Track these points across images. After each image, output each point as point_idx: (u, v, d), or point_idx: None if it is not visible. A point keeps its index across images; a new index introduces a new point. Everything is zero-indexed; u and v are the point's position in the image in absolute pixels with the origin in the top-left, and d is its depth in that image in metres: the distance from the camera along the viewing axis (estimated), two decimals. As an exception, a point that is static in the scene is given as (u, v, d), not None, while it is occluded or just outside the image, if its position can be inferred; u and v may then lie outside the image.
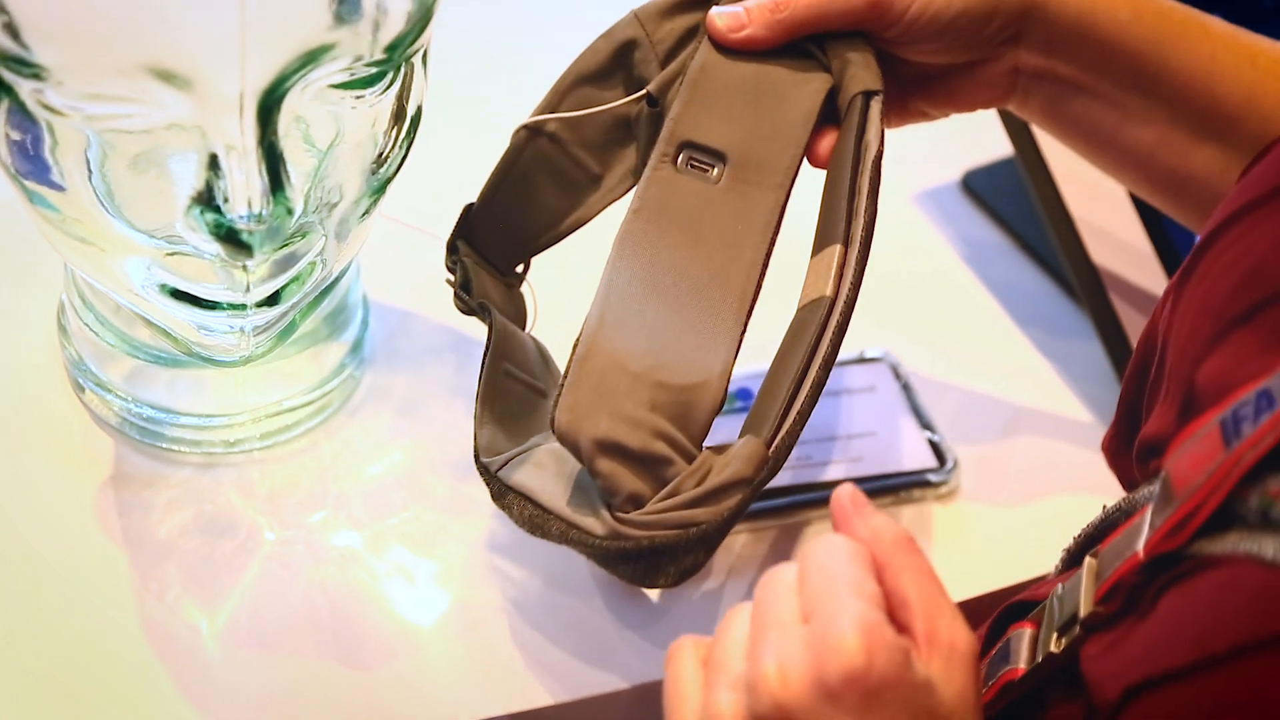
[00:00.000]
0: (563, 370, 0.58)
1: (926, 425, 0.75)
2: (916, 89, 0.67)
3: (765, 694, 0.45)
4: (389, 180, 0.64)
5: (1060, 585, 0.53)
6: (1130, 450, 0.56)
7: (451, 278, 0.66)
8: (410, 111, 0.63)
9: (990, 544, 0.71)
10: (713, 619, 0.67)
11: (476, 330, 0.66)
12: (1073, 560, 0.54)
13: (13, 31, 0.54)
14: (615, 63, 0.64)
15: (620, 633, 0.66)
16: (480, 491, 0.61)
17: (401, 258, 0.78)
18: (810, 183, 0.63)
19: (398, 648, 0.65)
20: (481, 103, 0.89)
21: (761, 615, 0.47)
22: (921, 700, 0.45)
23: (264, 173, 0.56)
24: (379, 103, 0.60)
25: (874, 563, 0.48)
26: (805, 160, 0.63)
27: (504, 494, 0.59)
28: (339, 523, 0.69)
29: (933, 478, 0.73)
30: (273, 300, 0.62)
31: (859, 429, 0.75)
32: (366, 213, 0.64)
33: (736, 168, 0.62)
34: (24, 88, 0.55)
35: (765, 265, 0.61)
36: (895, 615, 0.47)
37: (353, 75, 0.58)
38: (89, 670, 0.63)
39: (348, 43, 0.56)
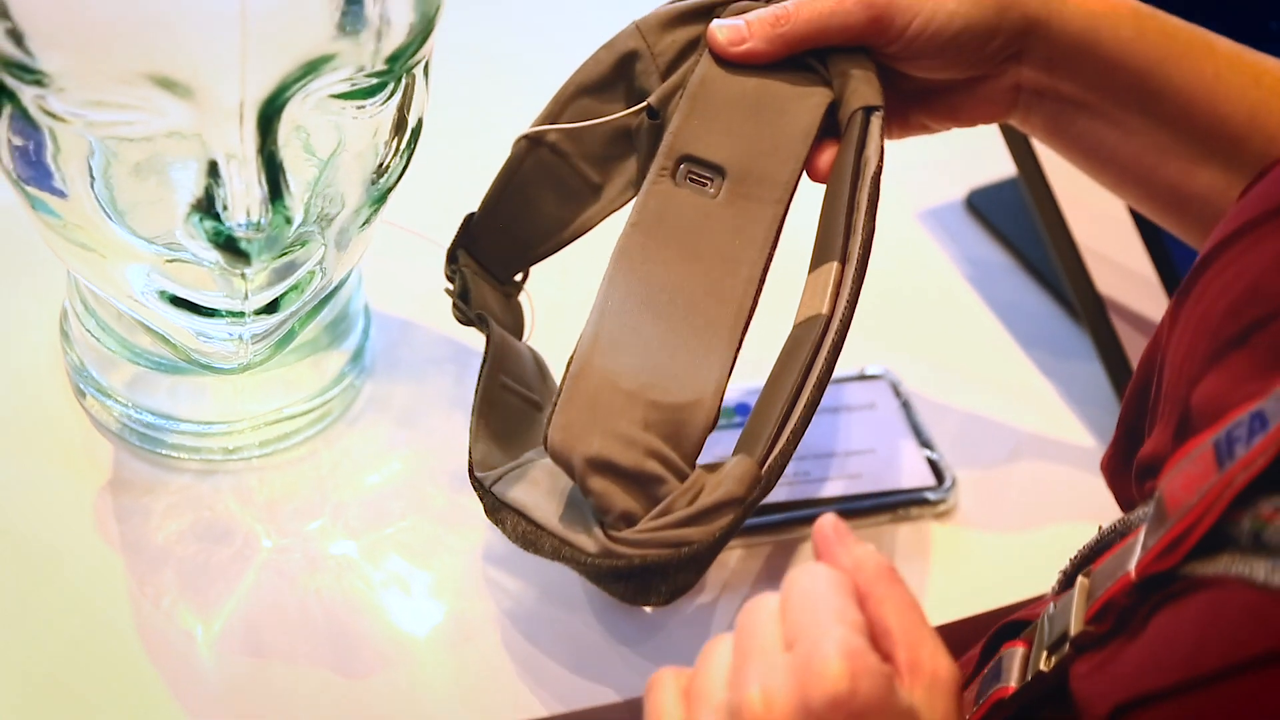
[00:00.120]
0: (558, 385, 0.58)
1: (925, 443, 0.75)
2: (917, 103, 0.67)
3: (752, 715, 0.44)
4: (389, 190, 0.64)
5: (1052, 605, 0.53)
6: (1129, 470, 0.56)
7: (451, 286, 0.66)
8: (411, 122, 0.63)
9: (987, 563, 0.71)
10: (705, 634, 0.66)
11: (477, 341, 0.66)
12: (1068, 581, 0.54)
13: (16, 37, 0.54)
14: (616, 74, 0.64)
15: (614, 646, 0.65)
16: (477, 503, 0.61)
17: (403, 267, 0.78)
18: (809, 196, 0.63)
19: (392, 657, 0.65)
20: (483, 111, 0.89)
21: (744, 643, 0.47)
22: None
23: (263, 181, 0.56)
24: (380, 113, 0.60)
25: (856, 592, 0.47)
26: (805, 174, 0.63)
27: (498, 509, 0.59)
28: (336, 531, 0.69)
29: (931, 496, 0.72)
30: (271, 308, 0.62)
31: (857, 446, 0.74)
32: (367, 222, 0.64)
33: (735, 182, 0.61)
34: (26, 94, 0.55)
35: (762, 281, 0.61)
36: (878, 644, 0.46)
37: (354, 86, 0.58)
38: (84, 674, 0.62)
39: (349, 53, 0.56)
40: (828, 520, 0.50)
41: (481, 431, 0.62)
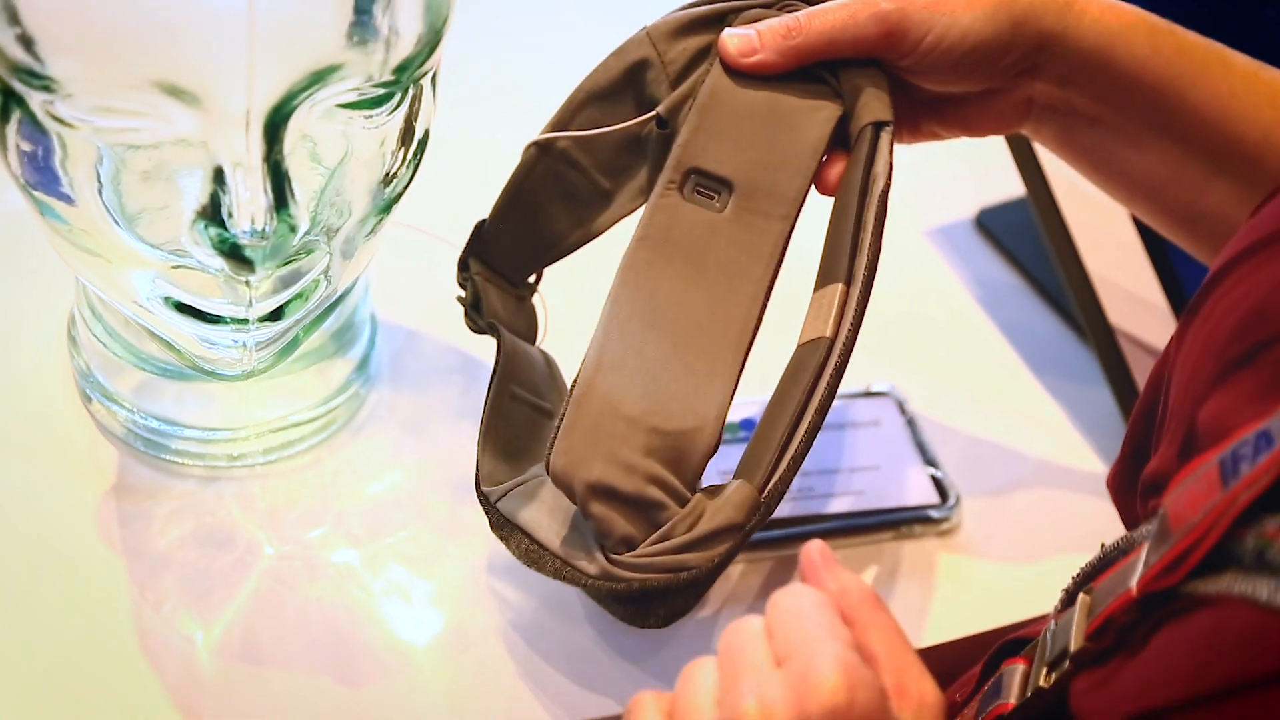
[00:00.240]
0: (565, 399, 0.58)
1: (930, 461, 0.74)
2: (929, 111, 0.66)
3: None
4: (396, 199, 0.63)
5: (1054, 622, 0.52)
6: (1134, 487, 0.55)
7: (463, 294, 0.66)
8: (419, 132, 0.62)
9: (990, 583, 0.70)
10: (706, 649, 0.66)
11: (483, 352, 0.66)
12: (1070, 599, 0.53)
13: (26, 43, 0.53)
14: (626, 81, 0.63)
15: (613, 659, 0.65)
16: (479, 514, 0.61)
17: (410, 276, 0.78)
18: (817, 211, 0.62)
19: (391, 666, 0.64)
20: (494, 117, 0.88)
21: (731, 662, 0.47)
22: None
23: (269, 189, 0.56)
24: (387, 123, 0.60)
25: (841, 616, 0.47)
26: (814, 187, 0.62)
27: (503, 526, 0.59)
28: (338, 540, 0.68)
29: (934, 514, 0.71)
30: (276, 316, 0.61)
31: (862, 462, 0.74)
32: (373, 231, 0.63)
33: (742, 196, 0.61)
34: (35, 99, 0.55)
35: (767, 297, 0.60)
36: None
37: (361, 95, 0.57)
38: (84, 676, 0.62)
39: (357, 63, 0.56)
40: (814, 546, 0.50)
41: (489, 444, 0.62)
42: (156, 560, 0.66)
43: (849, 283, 0.58)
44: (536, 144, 0.64)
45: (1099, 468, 0.76)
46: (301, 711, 0.63)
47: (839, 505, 0.71)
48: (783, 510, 0.70)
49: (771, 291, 0.60)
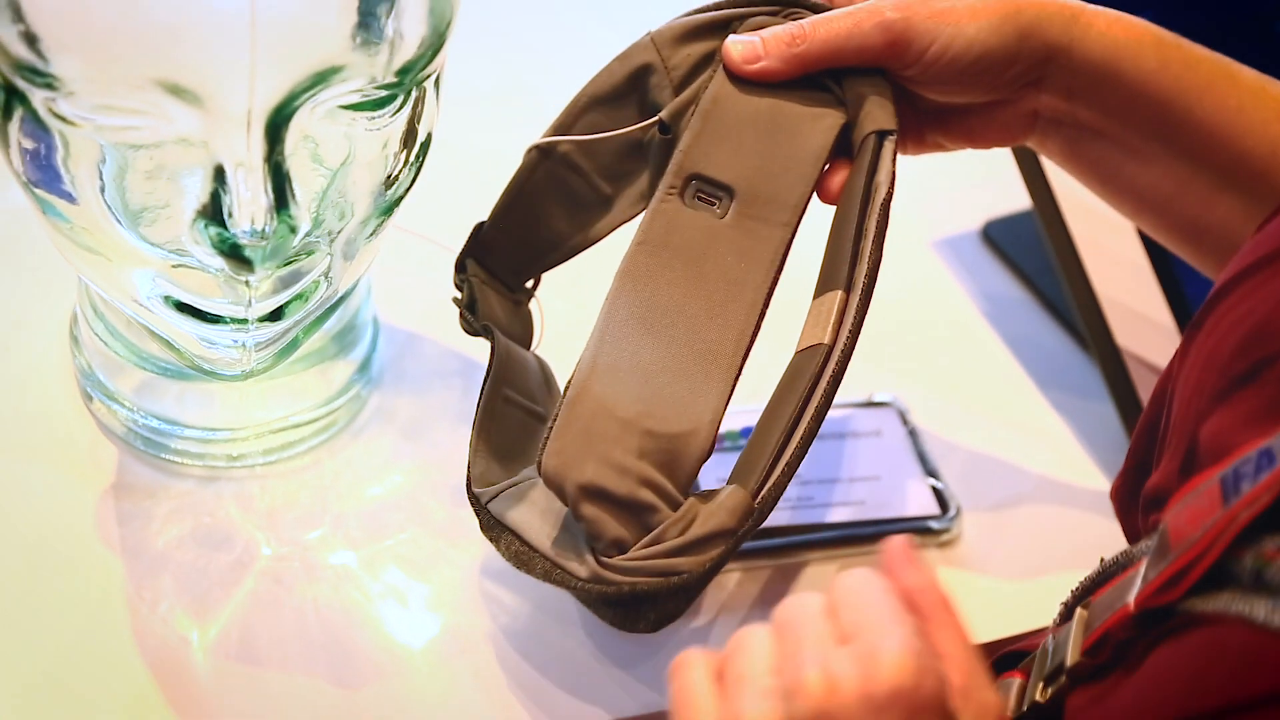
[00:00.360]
0: (556, 407, 0.57)
1: (931, 472, 0.73)
2: (933, 122, 0.65)
3: (809, 701, 0.44)
4: (398, 201, 0.63)
5: (1051, 636, 0.52)
6: (1137, 501, 0.54)
7: (459, 295, 0.65)
8: (421, 135, 0.62)
9: (989, 595, 0.69)
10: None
11: (484, 355, 0.65)
12: (1069, 613, 0.53)
13: (30, 40, 0.53)
14: (629, 86, 0.62)
15: (608, 666, 0.64)
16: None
17: (413, 279, 0.77)
18: (818, 219, 0.61)
19: (386, 668, 0.64)
20: (496, 120, 0.88)
21: (792, 633, 0.46)
22: None
23: (269, 190, 0.55)
24: (390, 125, 0.59)
25: (915, 612, 0.47)
26: (816, 195, 0.61)
27: (493, 527, 0.58)
28: (336, 541, 0.68)
29: (934, 525, 0.71)
30: (276, 316, 0.61)
31: (862, 472, 0.73)
32: (374, 233, 0.63)
33: (743, 203, 0.60)
34: (37, 96, 0.55)
35: (766, 305, 0.59)
36: None
37: (365, 97, 0.57)
38: (79, 674, 0.61)
39: (360, 65, 0.55)
40: (899, 541, 0.49)
41: (481, 446, 0.61)
42: (154, 559, 0.66)
43: (849, 290, 0.58)
44: (538, 147, 0.63)
45: (1101, 483, 0.75)
46: (296, 712, 0.62)
47: (839, 515, 0.70)
48: (782, 519, 0.70)
49: (771, 299, 0.59)
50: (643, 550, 0.54)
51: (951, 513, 0.71)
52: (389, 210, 0.62)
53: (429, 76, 0.60)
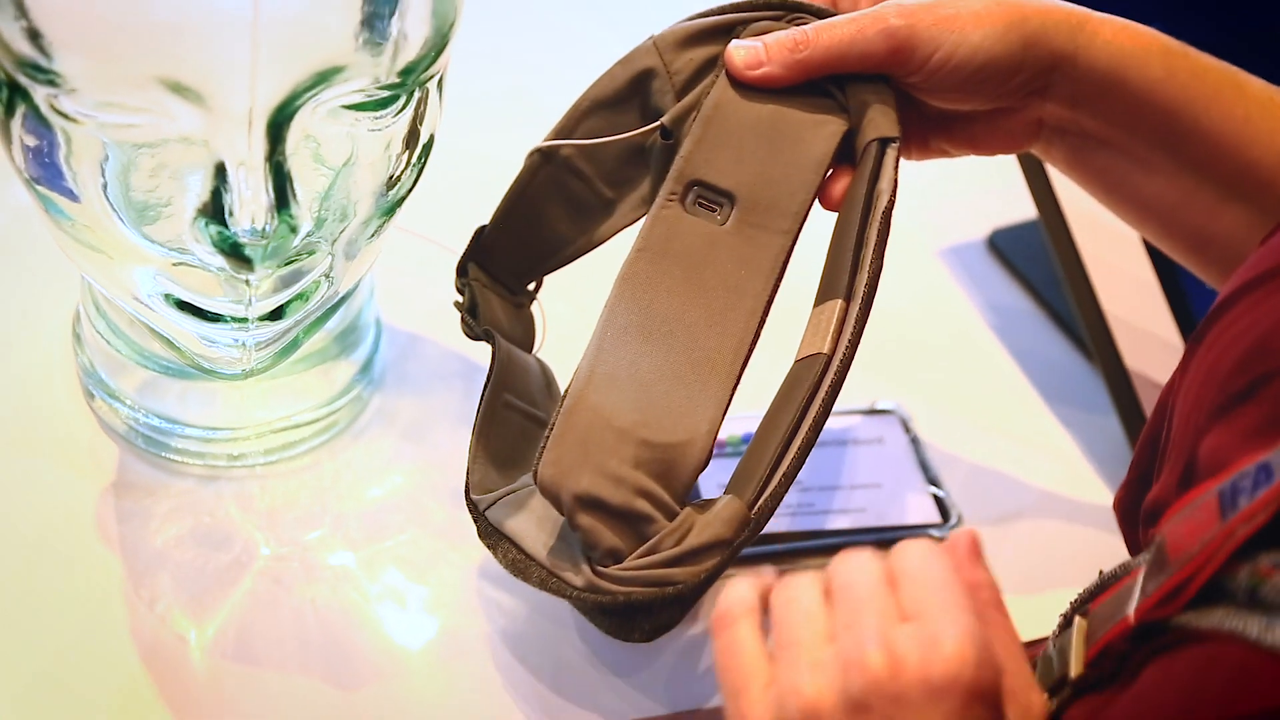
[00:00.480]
0: (553, 416, 0.57)
1: (933, 480, 0.72)
2: (937, 129, 0.64)
3: (868, 678, 0.43)
4: (399, 202, 0.62)
5: (1051, 644, 0.51)
6: (1139, 513, 0.54)
7: (460, 299, 0.64)
8: (424, 136, 0.61)
9: (988, 604, 0.68)
10: (695, 663, 0.64)
11: (486, 358, 0.64)
12: (1068, 622, 0.52)
13: (33, 35, 0.52)
14: (631, 90, 0.62)
15: (603, 670, 0.64)
16: (476, 521, 0.60)
17: (416, 281, 0.76)
18: (821, 225, 0.61)
19: (384, 669, 0.63)
20: (503, 123, 0.87)
21: (852, 600, 0.46)
22: None
23: (270, 189, 0.55)
24: (393, 125, 0.58)
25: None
26: (817, 202, 0.60)
27: (490, 534, 0.58)
28: (335, 542, 0.67)
29: (935, 534, 0.70)
30: (276, 315, 0.60)
31: (864, 480, 0.72)
32: (376, 233, 0.62)
33: (744, 210, 0.59)
34: (39, 93, 0.54)
35: (766, 313, 0.58)
36: None
37: (367, 97, 0.56)
38: (74, 671, 0.61)
39: (363, 65, 0.55)
40: (967, 535, 0.49)
41: (481, 452, 0.61)
42: (153, 558, 0.65)
43: (849, 299, 0.57)
44: (540, 151, 0.63)
45: (1104, 495, 0.74)
46: (293, 713, 0.61)
47: (839, 522, 0.70)
48: (781, 525, 0.69)
49: (770, 307, 0.59)
50: (638, 560, 0.54)
51: (952, 522, 0.70)
52: (391, 211, 0.62)
53: (432, 77, 0.59)
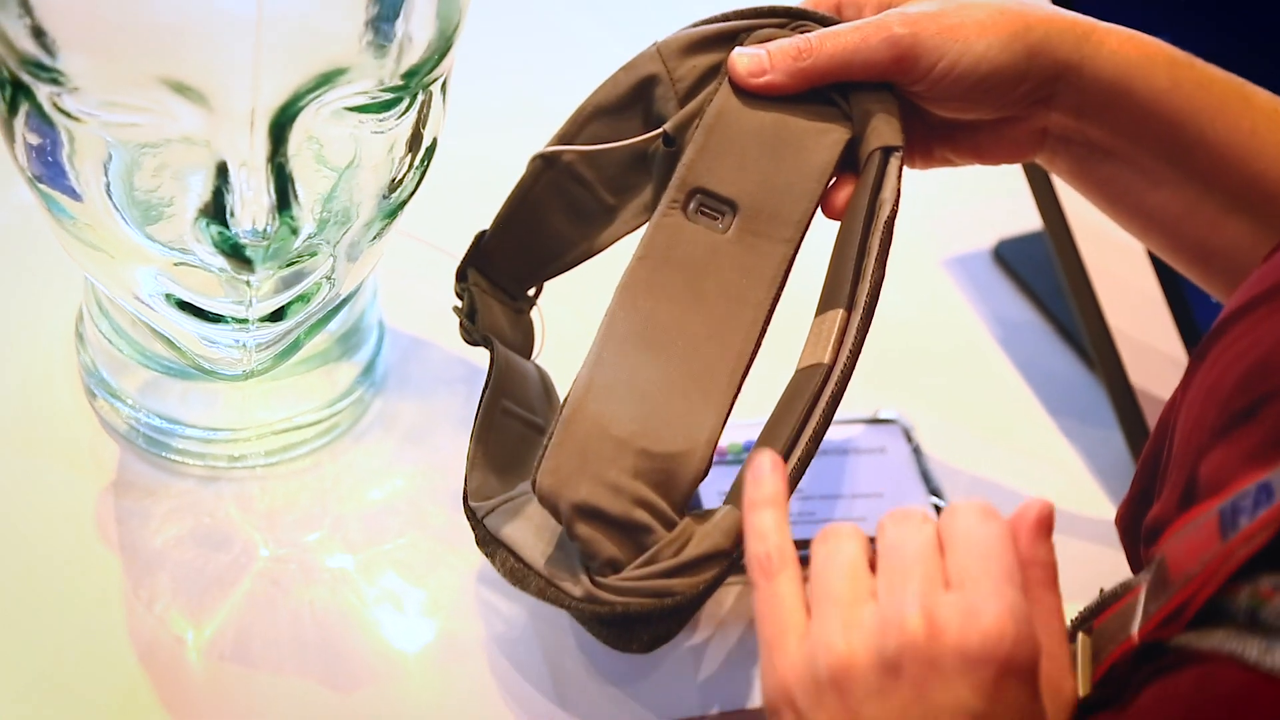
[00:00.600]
0: (552, 425, 0.56)
1: (934, 490, 0.71)
2: (941, 137, 0.63)
3: (905, 640, 0.43)
4: (402, 205, 0.61)
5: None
6: (1140, 530, 0.53)
7: (459, 304, 0.64)
8: (427, 139, 0.60)
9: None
10: (693, 673, 0.64)
11: (488, 362, 0.64)
12: (1070, 638, 0.51)
13: (37, 34, 0.52)
14: (634, 96, 0.61)
15: (601, 677, 0.63)
16: (475, 525, 0.59)
17: (419, 284, 0.75)
18: (822, 235, 0.60)
19: (380, 673, 0.62)
20: (507, 128, 0.86)
21: (900, 560, 0.46)
22: (1032, 709, 0.44)
23: (272, 190, 0.54)
24: (396, 128, 0.58)
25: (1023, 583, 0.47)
26: (820, 210, 0.60)
27: (488, 542, 0.57)
28: (334, 544, 0.66)
29: (935, 544, 0.69)
30: (277, 317, 0.59)
31: (865, 489, 0.71)
32: (378, 235, 0.61)
33: (746, 218, 0.59)
34: (42, 91, 0.54)
35: (767, 322, 0.58)
36: None
37: (371, 99, 0.55)
38: (71, 670, 0.61)
39: (366, 67, 0.54)
40: (1037, 507, 0.49)
41: (479, 458, 0.60)
42: (152, 558, 0.64)
43: (850, 309, 0.56)
44: (542, 156, 0.62)
45: (1107, 510, 0.73)
46: (288, 714, 0.61)
47: (839, 532, 0.69)
48: (782, 534, 0.68)
49: (772, 316, 0.58)
50: (637, 571, 0.53)
51: (953, 533, 0.70)
52: (393, 213, 0.61)
53: (436, 80, 0.58)
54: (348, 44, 0.53)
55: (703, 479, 0.55)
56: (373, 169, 0.59)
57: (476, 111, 0.83)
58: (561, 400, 0.57)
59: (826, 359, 0.55)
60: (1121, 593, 0.49)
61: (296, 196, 0.55)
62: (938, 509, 0.70)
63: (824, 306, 0.57)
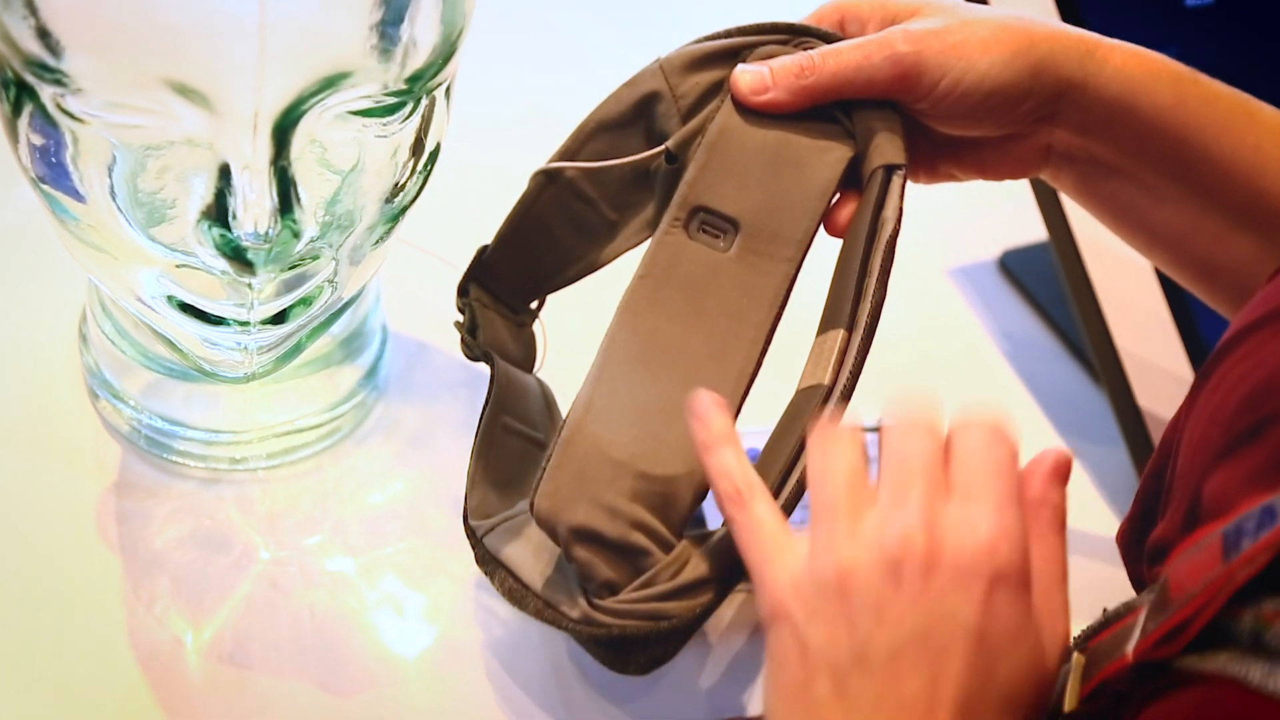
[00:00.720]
0: (550, 445, 0.55)
1: (936, 501, 0.71)
2: (945, 153, 0.62)
3: (906, 551, 0.45)
4: (404, 210, 0.61)
5: (1049, 678, 0.50)
6: (1142, 548, 0.52)
7: (461, 319, 0.63)
8: (430, 145, 0.60)
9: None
10: (696, 679, 0.63)
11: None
12: (1067, 655, 0.51)
13: (41, 34, 0.51)
14: (637, 113, 0.60)
15: (599, 684, 0.62)
16: (477, 530, 0.58)
17: (424, 289, 0.75)
18: (824, 253, 0.59)
19: (379, 677, 0.62)
20: (512, 136, 0.85)
21: (903, 469, 0.47)
22: (1024, 628, 0.46)
23: (274, 193, 0.53)
24: (400, 132, 0.57)
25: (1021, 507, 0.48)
26: (823, 228, 0.59)
27: (487, 562, 0.57)
28: (334, 548, 0.66)
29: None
30: (279, 319, 0.59)
31: (867, 499, 0.70)
32: (381, 239, 0.60)
33: (748, 237, 0.57)
34: (45, 92, 0.53)
35: (768, 342, 0.57)
36: None
37: (375, 103, 0.55)
38: (69, 670, 0.60)
39: (370, 71, 0.53)
40: (1055, 455, 0.50)
41: (479, 475, 0.60)
42: (151, 559, 0.64)
43: (850, 329, 0.55)
44: (544, 172, 0.61)
45: (1111, 526, 0.72)
46: (286, 717, 0.60)
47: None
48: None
49: (773, 336, 0.57)
50: (634, 594, 0.52)
51: (954, 544, 0.69)
52: (396, 218, 0.60)
53: (440, 85, 0.58)
54: (352, 47, 0.53)
55: (701, 501, 0.55)
56: (376, 173, 0.58)
57: (480, 116, 0.82)
58: (562, 417, 0.57)
59: (827, 380, 0.54)
60: (1124, 612, 0.48)
61: (299, 200, 0.55)
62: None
63: (825, 326, 0.56)
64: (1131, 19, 0.79)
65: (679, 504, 0.54)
